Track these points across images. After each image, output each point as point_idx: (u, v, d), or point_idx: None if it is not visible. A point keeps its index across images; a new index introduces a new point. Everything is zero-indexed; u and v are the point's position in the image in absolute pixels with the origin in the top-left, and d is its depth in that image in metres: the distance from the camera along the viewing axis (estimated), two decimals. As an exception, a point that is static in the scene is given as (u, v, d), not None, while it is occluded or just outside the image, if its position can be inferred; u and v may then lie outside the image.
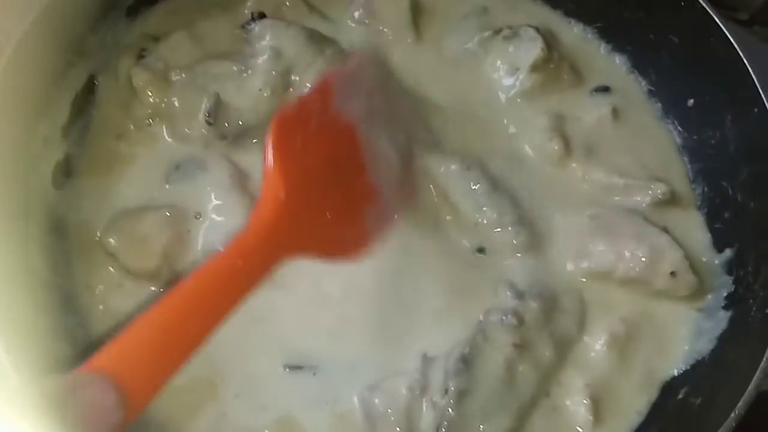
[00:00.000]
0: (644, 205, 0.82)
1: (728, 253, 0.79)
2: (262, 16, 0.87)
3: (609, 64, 0.92)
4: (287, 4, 0.90)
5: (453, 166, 0.79)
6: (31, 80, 0.73)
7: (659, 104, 0.90)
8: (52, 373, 0.64)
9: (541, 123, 0.85)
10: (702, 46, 0.82)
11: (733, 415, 0.63)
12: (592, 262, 0.77)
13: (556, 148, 0.83)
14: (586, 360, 0.74)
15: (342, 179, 0.69)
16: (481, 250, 0.78)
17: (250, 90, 0.81)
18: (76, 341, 0.70)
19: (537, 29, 0.87)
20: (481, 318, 0.73)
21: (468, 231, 0.78)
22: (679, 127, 0.88)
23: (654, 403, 0.74)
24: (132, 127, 0.82)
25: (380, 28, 0.90)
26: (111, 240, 0.74)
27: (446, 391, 0.68)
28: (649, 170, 0.84)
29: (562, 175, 0.83)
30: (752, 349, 0.68)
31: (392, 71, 0.82)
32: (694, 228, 0.83)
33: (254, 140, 0.80)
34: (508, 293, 0.74)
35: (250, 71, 0.81)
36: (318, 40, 0.84)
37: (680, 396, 0.73)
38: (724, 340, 0.75)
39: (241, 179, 0.79)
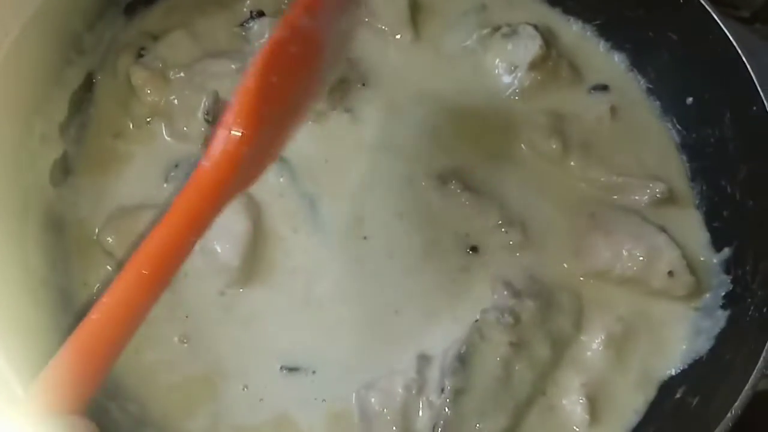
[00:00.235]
0: (642, 203, 0.82)
1: (726, 252, 0.79)
2: (261, 14, 0.87)
3: (608, 62, 0.92)
4: (286, 2, 0.90)
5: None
6: (28, 77, 0.73)
7: (658, 102, 0.89)
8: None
9: (539, 121, 0.84)
10: (701, 44, 0.82)
11: (730, 414, 0.63)
12: (589, 261, 0.77)
13: (554, 146, 0.83)
14: (583, 359, 0.74)
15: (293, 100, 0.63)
16: (474, 249, 0.78)
17: (248, 88, 0.81)
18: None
19: (536, 27, 0.87)
20: (478, 317, 0.73)
21: (458, 233, 0.78)
22: (677, 126, 0.88)
23: (651, 403, 0.74)
24: (130, 125, 0.82)
25: (379, 25, 0.89)
26: (108, 238, 0.74)
27: (442, 390, 0.68)
28: (648, 169, 0.84)
29: (559, 173, 0.83)
30: (750, 349, 0.68)
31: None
32: (693, 227, 0.82)
33: (252, 139, 0.80)
34: (504, 292, 0.74)
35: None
36: (316, 38, 0.83)
37: (678, 395, 0.73)
38: (721, 339, 0.74)
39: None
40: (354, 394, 0.71)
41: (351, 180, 0.80)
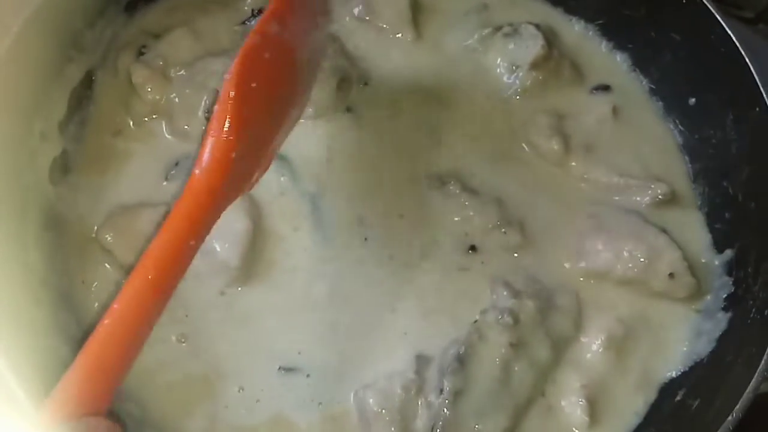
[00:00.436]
0: (644, 204, 0.81)
1: (728, 253, 0.79)
2: (261, 12, 0.86)
3: (610, 62, 0.92)
4: (287, -1, 0.90)
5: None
6: (28, 75, 0.73)
7: (660, 103, 0.89)
8: (46, 371, 0.64)
9: (540, 121, 0.84)
10: (704, 45, 0.82)
11: (731, 417, 0.63)
12: (589, 262, 0.77)
13: (555, 146, 0.83)
14: (583, 360, 0.74)
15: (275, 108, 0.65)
16: (473, 249, 0.77)
17: (249, 87, 0.81)
18: (71, 338, 0.70)
19: (537, 26, 0.87)
20: (477, 317, 0.72)
21: (458, 233, 0.78)
22: (680, 126, 0.87)
23: (651, 405, 0.74)
24: (130, 123, 0.82)
25: (380, 24, 0.89)
26: (107, 237, 0.74)
27: (441, 391, 0.68)
28: (650, 170, 0.84)
29: (561, 173, 0.83)
30: (751, 351, 0.67)
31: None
32: (694, 228, 0.82)
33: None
34: (504, 292, 0.74)
35: (249, 68, 0.81)
36: (318, 36, 0.83)
37: (678, 397, 0.73)
38: (723, 341, 0.74)
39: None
40: (352, 395, 0.70)
41: (352, 179, 0.80)
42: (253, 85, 0.60)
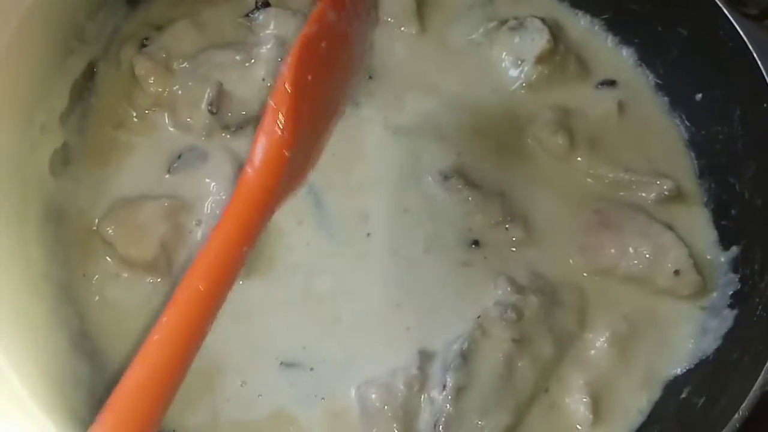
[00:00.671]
0: (649, 200, 0.81)
1: (734, 250, 0.78)
2: (266, 4, 0.86)
3: (616, 56, 0.91)
4: (291, -8, 0.89)
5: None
6: (29, 66, 0.72)
7: (666, 98, 0.89)
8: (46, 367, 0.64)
9: (545, 116, 0.84)
10: (711, 40, 0.81)
11: (737, 415, 0.63)
12: (594, 258, 0.77)
13: (560, 141, 0.82)
14: (587, 357, 0.73)
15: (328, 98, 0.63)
16: (476, 244, 0.77)
17: (253, 79, 0.80)
18: (72, 331, 0.70)
19: (543, 20, 0.87)
20: (480, 312, 0.72)
21: (461, 228, 0.78)
22: (686, 122, 0.87)
23: (656, 403, 0.74)
24: (133, 115, 0.81)
25: (385, 18, 0.89)
26: (108, 229, 0.74)
27: (444, 387, 0.68)
28: (655, 165, 0.83)
29: (565, 168, 0.83)
30: (758, 349, 0.67)
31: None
32: (700, 225, 0.82)
33: (257, 130, 0.80)
34: (507, 287, 0.73)
35: (253, 60, 0.81)
36: (322, 29, 0.83)
37: (683, 395, 0.73)
38: (729, 339, 0.74)
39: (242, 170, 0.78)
40: (354, 390, 0.70)
41: (356, 174, 0.80)
42: (309, 77, 0.57)
